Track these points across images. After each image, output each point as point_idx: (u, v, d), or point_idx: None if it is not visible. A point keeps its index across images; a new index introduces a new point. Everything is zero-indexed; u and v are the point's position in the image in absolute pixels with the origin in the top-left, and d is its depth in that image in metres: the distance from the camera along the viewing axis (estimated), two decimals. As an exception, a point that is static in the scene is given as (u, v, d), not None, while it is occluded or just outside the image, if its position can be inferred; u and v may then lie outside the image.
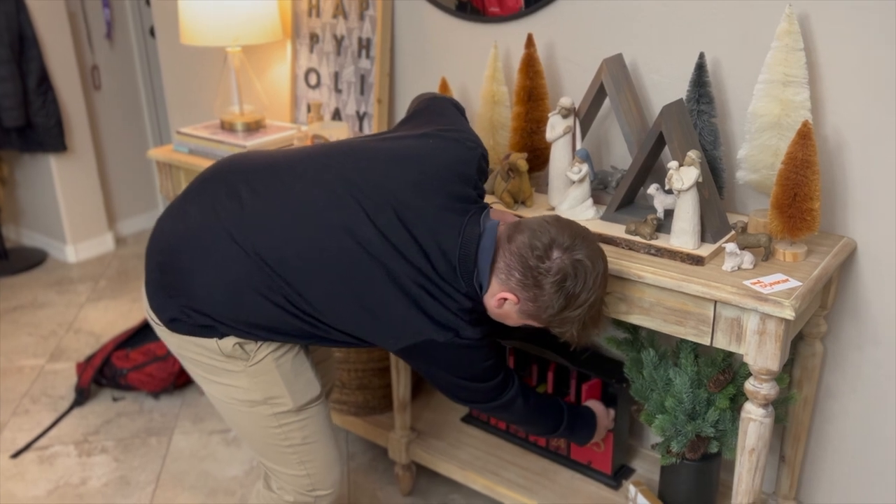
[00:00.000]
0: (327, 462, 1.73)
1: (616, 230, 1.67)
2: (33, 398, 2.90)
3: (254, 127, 2.49)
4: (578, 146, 1.80)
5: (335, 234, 1.46)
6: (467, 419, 2.34)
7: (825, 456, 1.91)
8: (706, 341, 1.52)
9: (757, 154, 1.65)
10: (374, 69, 2.37)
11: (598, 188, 1.84)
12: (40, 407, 2.85)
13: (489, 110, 2.04)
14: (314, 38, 2.52)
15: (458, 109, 1.74)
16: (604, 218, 1.73)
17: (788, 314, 1.39)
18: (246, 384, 1.61)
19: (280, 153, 1.62)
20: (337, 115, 2.52)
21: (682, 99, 1.68)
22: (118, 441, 2.67)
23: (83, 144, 3.97)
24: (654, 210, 1.69)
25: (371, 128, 2.42)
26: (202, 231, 1.53)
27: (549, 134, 1.80)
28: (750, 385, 1.51)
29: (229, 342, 1.55)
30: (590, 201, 1.75)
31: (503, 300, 1.48)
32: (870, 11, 1.54)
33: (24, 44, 3.59)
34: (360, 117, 2.45)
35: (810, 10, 1.60)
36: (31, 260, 4.06)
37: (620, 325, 1.91)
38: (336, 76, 2.49)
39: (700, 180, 1.52)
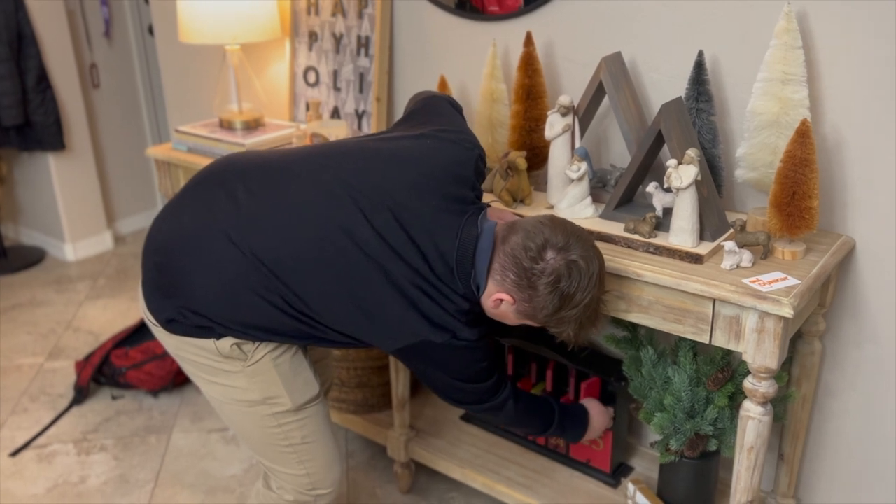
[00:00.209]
0: (327, 461, 1.73)
1: (615, 228, 1.67)
2: (32, 396, 2.90)
3: (253, 125, 2.48)
4: (577, 144, 1.80)
5: (332, 234, 1.46)
6: (466, 417, 2.34)
7: (824, 454, 1.92)
8: (705, 339, 1.53)
9: (756, 152, 1.65)
10: (373, 67, 2.37)
11: (597, 186, 1.84)
12: (39, 405, 2.85)
13: (488, 108, 2.04)
14: (313, 37, 2.52)
15: (456, 108, 1.74)
16: (603, 216, 1.74)
17: (787, 312, 1.39)
18: (244, 384, 1.61)
19: (277, 153, 1.62)
20: (336, 114, 2.52)
21: (680, 97, 1.68)
22: (117, 439, 2.67)
23: (82, 143, 3.96)
24: (652, 208, 1.69)
25: (370, 126, 2.42)
26: (199, 232, 1.52)
27: (548, 132, 1.80)
28: (749, 383, 1.51)
29: (227, 343, 1.55)
30: (589, 199, 1.75)
31: (500, 301, 1.48)
32: (868, 9, 1.54)
33: (23, 42, 3.59)
34: (359, 116, 2.45)
35: (809, 9, 1.60)
36: (30, 258, 4.06)
37: (619, 323, 1.91)
38: (335, 74, 2.49)
39: (699, 178, 1.52)
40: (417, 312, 1.46)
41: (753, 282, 1.46)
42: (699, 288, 1.47)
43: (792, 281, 1.46)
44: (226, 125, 2.49)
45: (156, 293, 1.58)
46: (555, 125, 1.79)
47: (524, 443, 2.21)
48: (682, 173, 1.53)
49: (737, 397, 1.74)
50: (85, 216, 4.08)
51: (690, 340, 1.78)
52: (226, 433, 2.68)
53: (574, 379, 2.08)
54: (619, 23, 1.88)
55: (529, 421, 1.77)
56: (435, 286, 1.46)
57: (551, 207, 1.81)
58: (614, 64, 1.77)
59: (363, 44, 2.38)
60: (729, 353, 1.78)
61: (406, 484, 2.36)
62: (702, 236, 1.59)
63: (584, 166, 1.71)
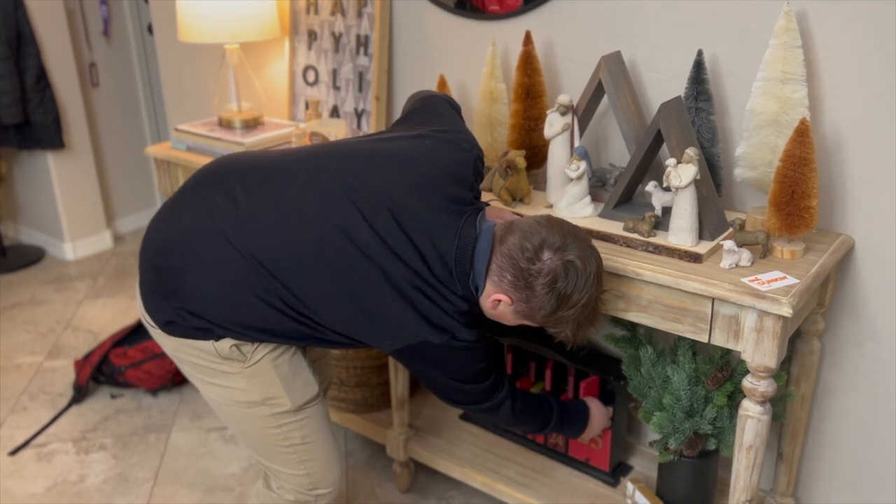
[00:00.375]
0: (327, 461, 1.73)
1: (614, 227, 1.67)
2: (31, 395, 2.90)
3: (252, 124, 2.48)
4: (577, 143, 1.80)
5: (331, 235, 1.46)
6: (465, 417, 2.34)
7: (823, 453, 1.92)
8: (704, 338, 1.53)
9: (755, 151, 1.65)
10: (373, 66, 2.37)
11: (597, 185, 1.84)
12: (38, 404, 2.85)
13: (487, 107, 2.04)
14: (312, 36, 2.52)
15: (454, 108, 1.74)
16: (602, 215, 1.74)
17: (786, 311, 1.39)
18: (243, 385, 1.61)
19: (275, 153, 1.61)
20: (335, 113, 2.52)
21: (680, 96, 1.68)
22: (116, 438, 2.67)
23: (81, 142, 3.96)
24: (652, 207, 1.69)
25: (369, 125, 2.42)
26: (196, 233, 1.52)
27: (548, 131, 1.80)
28: (748, 382, 1.51)
29: (226, 344, 1.55)
30: (588, 199, 1.75)
31: (497, 301, 1.48)
32: (868, 9, 1.54)
33: (22, 41, 3.59)
34: (359, 115, 2.45)
35: (808, 8, 1.60)
36: (29, 257, 4.06)
37: (618, 322, 1.91)
38: (334, 73, 2.49)
39: (698, 178, 1.53)
40: (416, 313, 1.46)
41: (752, 281, 1.46)
42: (698, 287, 1.47)
43: (791, 280, 1.46)
44: (225, 124, 2.49)
45: (154, 295, 1.57)
46: (554, 124, 1.79)
47: (523, 442, 2.21)
48: (682, 172, 1.53)
49: (736, 396, 1.74)
50: (84, 215, 4.08)
51: (689, 339, 1.78)
52: (225, 432, 2.68)
53: (573, 378, 2.08)
54: (619, 22, 1.88)
55: (528, 420, 1.77)
56: (434, 287, 1.46)
57: (550, 206, 1.81)
58: (614, 63, 1.77)
59: (362, 43, 2.38)
60: (728, 352, 1.78)
61: (405, 483, 2.36)
62: (701, 235, 1.59)
63: (583, 165, 1.71)
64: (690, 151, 1.52)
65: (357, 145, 1.58)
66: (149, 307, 1.58)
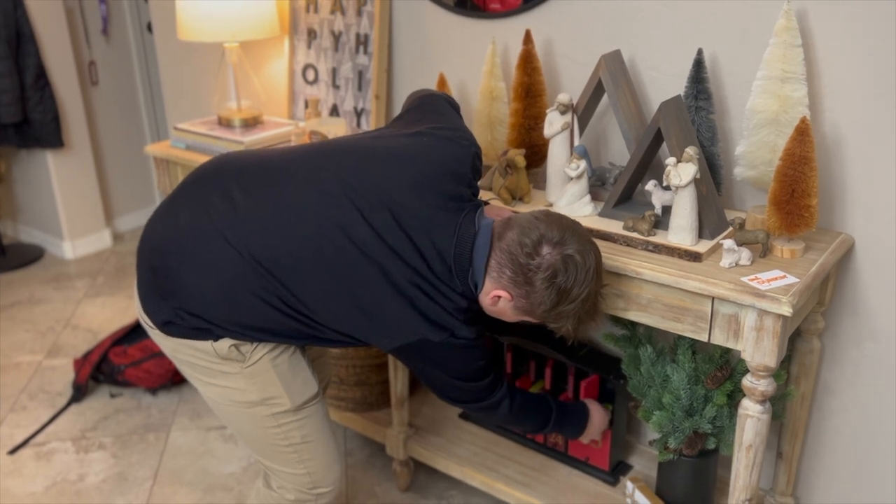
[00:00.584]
0: (327, 460, 1.73)
1: (614, 226, 1.67)
2: (31, 394, 2.90)
3: (251, 123, 2.48)
4: (576, 142, 1.80)
5: (330, 234, 1.45)
6: (465, 416, 2.34)
7: (822, 452, 1.92)
8: (704, 338, 1.53)
9: (755, 150, 1.65)
10: (372, 65, 2.37)
11: (596, 184, 1.84)
12: (38, 403, 2.85)
13: (487, 106, 2.03)
14: (312, 34, 2.52)
15: (453, 106, 1.74)
16: (601, 214, 1.73)
17: (786, 310, 1.39)
18: (243, 385, 1.60)
19: (273, 152, 1.61)
20: (334, 112, 2.52)
21: (680, 95, 1.68)
22: (116, 437, 2.67)
23: (80, 140, 3.96)
24: (651, 206, 1.69)
25: (369, 124, 2.42)
26: (194, 232, 1.51)
27: (547, 130, 1.80)
28: (747, 381, 1.51)
29: (225, 344, 1.55)
30: (588, 198, 1.75)
31: (497, 298, 1.48)
32: (868, 8, 1.53)
33: (21, 40, 3.58)
34: (358, 113, 2.45)
35: (808, 7, 1.60)
36: (29, 256, 4.05)
37: (618, 321, 1.91)
38: (334, 72, 2.49)
39: (698, 177, 1.52)
40: (415, 311, 1.46)
41: (752, 280, 1.46)
42: (698, 286, 1.47)
43: (791, 279, 1.46)
44: (225, 123, 2.49)
45: (151, 295, 1.57)
46: (554, 123, 1.79)
47: (523, 441, 2.21)
48: (681, 171, 1.53)
49: (735, 395, 1.74)
50: (83, 214, 4.07)
51: (689, 339, 1.78)
52: (224, 431, 2.68)
53: (573, 377, 2.08)
54: (619, 21, 1.88)
55: (526, 419, 1.77)
56: (433, 284, 1.46)
57: (550, 205, 1.80)
58: (613, 62, 1.77)
59: (362, 41, 2.38)
60: (728, 351, 1.78)
61: (405, 482, 2.36)
62: (701, 234, 1.59)
63: (583, 164, 1.71)
64: (690, 150, 1.52)
65: (355, 143, 1.58)
66: (147, 307, 1.58)
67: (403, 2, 2.29)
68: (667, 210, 1.65)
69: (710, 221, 1.60)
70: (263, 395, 1.61)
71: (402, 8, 2.30)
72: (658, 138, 1.64)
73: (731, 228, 1.64)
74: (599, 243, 1.61)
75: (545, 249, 1.41)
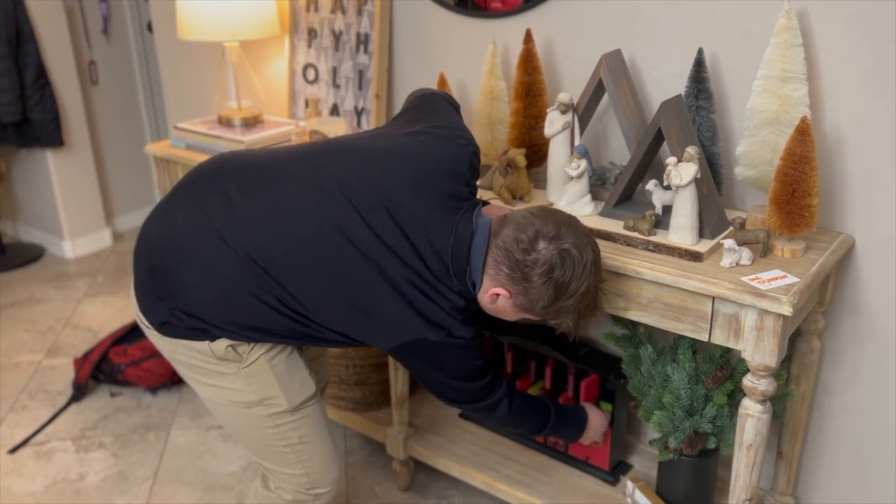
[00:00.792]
0: (325, 460, 1.73)
1: (614, 226, 1.67)
2: (31, 394, 2.90)
3: (251, 122, 2.48)
4: (577, 142, 1.80)
5: (328, 233, 1.45)
6: (465, 415, 2.34)
7: (823, 452, 1.92)
8: (704, 337, 1.53)
9: (755, 150, 1.65)
10: (373, 64, 2.37)
11: (597, 184, 1.84)
12: (38, 402, 2.85)
13: (487, 106, 2.03)
14: (312, 34, 2.52)
15: (452, 105, 1.73)
16: (602, 214, 1.73)
17: (786, 310, 1.39)
18: (240, 386, 1.60)
19: (271, 152, 1.61)
20: (335, 111, 2.52)
21: (680, 95, 1.68)
22: (116, 437, 2.67)
23: (80, 140, 3.96)
24: (652, 206, 1.69)
25: (369, 123, 2.42)
26: (191, 232, 1.51)
27: (548, 130, 1.80)
28: (748, 381, 1.51)
29: (221, 345, 1.54)
30: (588, 197, 1.75)
31: (496, 296, 1.48)
32: (868, 7, 1.53)
33: (21, 39, 3.58)
34: (358, 113, 2.45)
35: (809, 6, 1.60)
36: (29, 255, 4.05)
37: (618, 321, 1.91)
38: (334, 71, 2.49)
39: (698, 176, 1.52)
40: (413, 310, 1.46)
41: (753, 280, 1.46)
42: (698, 286, 1.47)
43: (791, 279, 1.46)
44: (225, 122, 2.49)
45: (148, 295, 1.56)
46: (554, 123, 1.79)
47: (523, 440, 2.21)
48: (682, 171, 1.53)
49: (736, 395, 1.74)
50: (83, 213, 4.07)
51: (690, 338, 1.78)
52: (224, 431, 2.68)
53: (573, 377, 2.08)
54: (619, 20, 1.88)
55: (524, 421, 1.77)
56: (431, 284, 1.46)
57: (551, 205, 1.80)
58: (614, 61, 1.77)
59: (362, 41, 2.38)
60: (728, 350, 1.78)
61: (405, 482, 2.36)
62: (701, 234, 1.59)
63: (583, 164, 1.70)
64: (691, 150, 1.52)
65: (353, 143, 1.58)
66: (143, 308, 1.58)
67: (404, 1, 2.29)
68: (667, 210, 1.65)
69: (710, 221, 1.60)
70: (261, 396, 1.61)
71: (403, 7, 2.30)
72: (659, 138, 1.64)
73: (731, 228, 1.64)
74: (600, 243, 1.61)
75: (541, 245, 1.41)
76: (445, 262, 1.46)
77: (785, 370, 1.78)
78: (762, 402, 1.52)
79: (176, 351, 1.59)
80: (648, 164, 1.73)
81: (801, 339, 1.78)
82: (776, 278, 1.46)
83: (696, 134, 1.68)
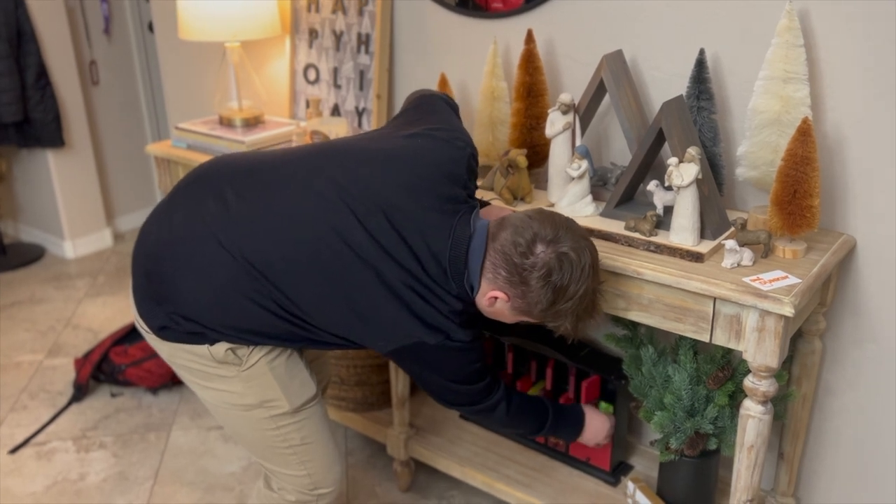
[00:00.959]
0: (327, 460, 1.73)
1: (615, 227, 1.67)
2: (31, 394, 2.90)
3: (252, 122, 2.48)
4: (578, 142, 1.80)
5: (325, 237, 1.45)
6: (465, 416, 2.34)
7: (824, 453, 1.91)
8: (705, 338, 1.52)
9: (757, 151, 1.65)
10: (374, 65, 2.36)
11: (598, 185, 1.84)
12: (38, 403, 2.85)
13: (488, 106, 2.03)
14: (313, 34, 2.52)
15: (451, 106, 1.73)
16: (603, 214, 1.73)
17: (788, 311, 1.38)
18: (240, 389, 1.60)
19: (267, 155, 1.60)
20: (336, 111, 2.52)
21: (681, 95, 1.68)
22: (116, 437, 2.67)
23: (81, 140, 3.96)
24: (653, 207, 1.68)
25: (370, 124, 2.42)
26: (188, 236, 1.51)
27: (549, 130, 1.80)
28: (749, 382, 1.51)
29: (221, 348, 1.54)
30: (589, 198, 1.75)
31: (494, 299, 1.47)
32: (870, 8, 1.53)
33: (22, 39, 3.58)
34: (359, 113, 2.45)
35: (810, 7, 1.60)
36: (29, 256, 4.05)
37: (619, 321, 1.90)
38: (335, 72, 2.49)
39: (700, 177, 1.52)
40: (411, 314, 1.45)
41: (754, 280, 1.46)
42: (700, 286, 1.47)
43: (793, 280, 1.46)
44: (226, 122, 2.48)
45: (147, 300, 1.56)
46: (555, 123, 1.79)
47: (524, 441, 2.21)
48: (683, 172, 1.52)
49: (737, 396, 1.74)
50: (84, 213, 4.07)
51: (691, 339, 1.78)
52: (225, 431, 2.67)
53: (574, 378, 2.08)
54: (621, 20, 1.88)
55: (523, 422, 1.76)
56: (428, 287, 1.45)
57: (552, 205, 1.80)
58: (615, 62, 1.77)
59: (363, 41, 2.38)
60: (729, 351, 1.78)
61: (405, 482, 2.35)
62: (702, 235, 1.59)
63: (584, 164, 1.70)
64: (692, 150, 1.52)
65: (350, 146, 1.57)
66: (142, 313, 1.57)
67: (405, 1, 2.29)
68: (668, 210, 1.65)
69: (711, 222, 1.60)
70: (261, 398, 1.61)
71: (404, 7, 2.30)
72: (660, 138, 1.64)
73: (732, 229, 1.64)
74: (601, 244, 1.61)
75: (539, 248, 1.41)
76: (443, 265, 1.46)
77: (786, 371, 1.78)
78: (763, 402, 1.51)
79: (175, 355, 1.59)
80: (650, 165, 1.73)
81: (802, 340, 1.77)
82: (777, 279, 1.46)
83: (697, 134, 1.68)
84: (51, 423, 2.73)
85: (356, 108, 2.45)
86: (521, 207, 1.82)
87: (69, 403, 2.83)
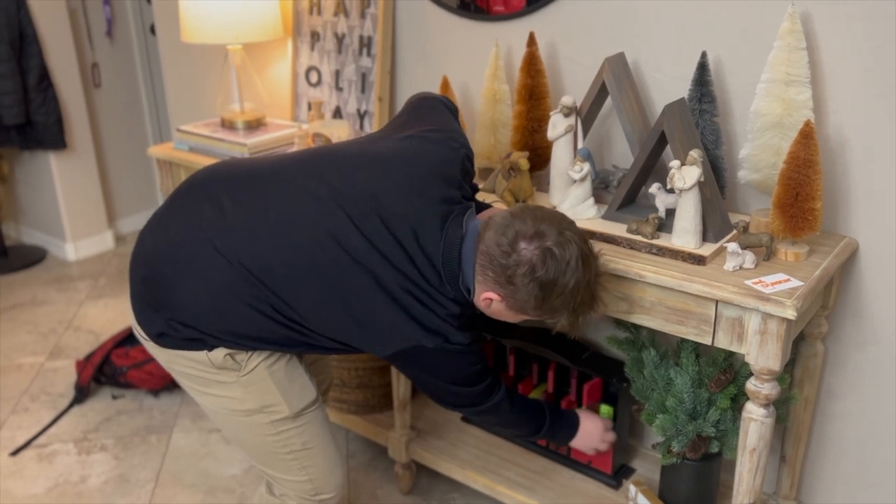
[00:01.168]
0: (328, 465, 1.72)
1: (617, 229, 1.67)
2: (33, 396, 2.90)
3: (254, 125, 2.48)
4: (580, 145, 1.80)
5: (321, 242, 1.45)
6: (467, 418, 2.33)
7: (826, 456, 1.91)
8: (707, 341, 1.52)
9: (759, 153, 1.65)
10: (376, 67, 2.37)
11: (600, 187, 1.84)
12: (40, 405, 2.85)
13: (490, 109, 2.03)
14: (315, 36, 2.52)
15: (450, 109, 1.72)
16: (605, 217, 1.73)
17: (790, 314, 1.38)
18: (240, 394, 1.59)
19: (263, 160, 1.60)
20: (338, 114, 2.52)
21: (684, 98, 1.67)
22: (118, 439, 2.66)
23: (83, 142, 3.96)
24: (655, 209, 1.68)
25: (372, 126, 2.42)
26: (184, 242, 1.51)
27: (551, 133, 1.80)
28: (751, 385, 1.51)
29: (219, 354, 1.53)
30: (591, 200, 1.75)
31: (489, 300, 1.46)
32: (872, 11, 1.53)
33: (25, 41, 3.59)
34: (361, 116, 2.45)
35: (812, 10, 1.60)
36: (31, 258, 4.06)
37: (621, 324, 1.90)
38: (337, 74, 2.49)
39: (702, 179, 1.52)
40: (409, 318, 1.45)
41: (756, 283, 1.46)
42: (702, 289, 1.47)
43: (795, 283, 1.46)
44: (228, 125, 2.49)
45: (144, 308, 1.56)
46: (557, 126, 1.79)
47: (525, 444, 2.21)
48: (685, 174, 1.52)
49: (739, 399, 1.74)
50: (86, 215, 4.08)
51: (693, 342, 1.78)
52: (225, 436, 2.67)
53: (576, 380, 2.08)
54: (623, 23, 1.88)
55: (523, 423, 1.76)
56: (425, 291, 1.45)
57: (554, 208, 1.80)
58: (617, 64, 1.77)
59: (365, 44, 2.38)
60: (731, 354, 1.77)
61: (407, 485, 2.35)
62: (705, 238, 1.59)
63: (586, 167, 1.70)
64: (694, 153, 1.52)
65: (346, 150, 1.57)
66: (140, 320, 1.57)
67: (407, 4, 2.29)
68: (670, 213, 1.64)
69: (713, 224, 1.60)
70: (261, 403, 1.60)
71: (406, 10, 2.30)
72: (662, 141, 1.64)
73: (734, 232, 1.64)
74: (603, 246, 1.61)
75: (521, 245, 1.39)
76: (437, 268, 1.45)
77: (788, 374, 1.78)
78: (765, 405, 1.51)
79: (174, 361, 1.59)
80: (651, 168, 1.73)
81: (804, 343, 1.77)
82: (780, 282, 1.46)
83: (699, 137, 1.68)
84: (52, 426, 2.73)
85: (358, 110, 2.45)
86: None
87: (70, 405, 2.82)
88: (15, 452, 2.59)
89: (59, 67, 3.77)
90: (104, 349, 2.88)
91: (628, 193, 1.72)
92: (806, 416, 1.83)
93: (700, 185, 1.53)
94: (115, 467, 2.53)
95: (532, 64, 1.92)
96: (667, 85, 1.85)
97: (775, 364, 1.45)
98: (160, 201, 4.42)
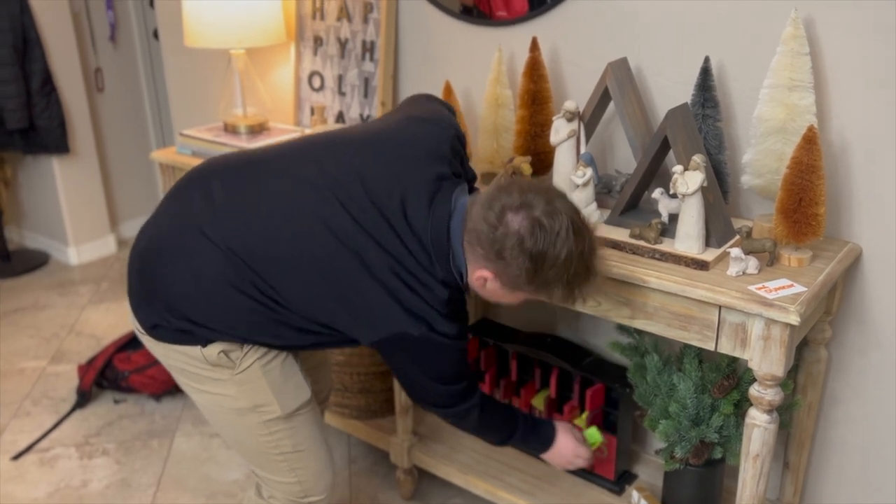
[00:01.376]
0: (318, 468, 1.72)
1: (620, 234, 1.67)
2: (34, 400, 2.90)
3: (257, 129, 2.48)
4: (582, 150, 1.80)
5: (311, 225, 1.44)
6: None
7: (829, 461, 1.91)
8: (710, 346, 1.52)
9: (762, 158, 1.65)
10: (378, 72, 2.37)
11: (603, 192, 1.83)
12: (41, 409, 2.85)
13: (493, 114, 2.03)
14: (318, 41, 2.52)
15: (446, 107, 1.72)
16: (608, 222, 1.73)
17: (793, 319, 1.38)
18: (233, 392, 1.59)
19: (255, 149, 1.61)
20: (340, 118, 2.52)
21: (686, 103, 1.67)
22: (119, 443, 2.66)
23: (86, 146, 3.97)
24: (658, 214, 1.68)
25: (374, 131, 2.42)
26: (175, 231, 1.52)
27: (553, 138, 1.80)
28: (754, 391, 1.50)
29: (214, 350, 1.53)
30: (594, 205, 1.74)
31: (483, 279, 1.43)
32: (875, 16, 1.53)
33: (28, 45, 3.60)
34: (364, 120, 2.45)
35: (816, 15, 1.60)
36: (33, 262, 4.06)
37: (624, 329, 1.90)
38: (340, 79, 2.49)
39: (705, 185, 1.52)
40: (395, 301, 1.43)
41: (759, 289, 1.45)
42: (705, 294, 1.47)
43: (798, 288, 1.45)
44: (230, 129, 2.49)
45: (140, 301, 1.57)
46: (560, 130, 1.79)
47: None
48: (688, 179, 1.52)
49: (742, 405, 1.73)
50: (89, 220, 4.08)
51: (696, 347, 1.77)
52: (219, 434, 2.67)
53: (579, 386, 2.07)
54: (626, 28, 1.88)
55: (490, 432, 1.73)
56: (413, 274, 1.43)
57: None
58: (620, 69, 1.76)
59: (368, 48, 2.38)
60: (734, 360, 1.77)
61: (408, 490, 2.35)
62: (708, 243, 1.59)
63: (589, 172, 1.70)
64: (697, 158, 1.52)
65: (335, 135, 1.57)
66: (136, 312, 1.58)
67: (409, 9, 2.29)
68: (673, 218, 1.64)
69: (716, 230, 1.59)
70: (254, 402, 1.60)
71: (409, 15, 2.30)
72: (665, 146, 1.64)
73: (737, 237, 1.63)
74: (606, 251, 1.60)
75: (508, 217, 1.35)
76: (426, 247, 1.43)
77: (791, 380, 1.78)
78: (769, 411, 1.51)
79: (169, 356, 1.59)
80: (654, 173, 1.73)
81: (807, 349, 1.77)
82: (783, 287, 1.46)
83: (702, 142, 1.68)
84: (54, 430, 2.73)
85: (360, 115, 2.45)
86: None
87: (72, 410, 2.82)
88: (16, 457, 2.59)
89: (63, 72, 3.78)
90: (106, 353, 2.88)
91: (631, 198, 1.71)
92: (809, 421, 1.82)
93: (703, 190, 1.53)
94: (116, 472, 2.52)
95: (535, 69, 1.92)
96: (670, 90, 1.85)
97: (779, 370, 1.44)
98: (163, 205, 4.42)
